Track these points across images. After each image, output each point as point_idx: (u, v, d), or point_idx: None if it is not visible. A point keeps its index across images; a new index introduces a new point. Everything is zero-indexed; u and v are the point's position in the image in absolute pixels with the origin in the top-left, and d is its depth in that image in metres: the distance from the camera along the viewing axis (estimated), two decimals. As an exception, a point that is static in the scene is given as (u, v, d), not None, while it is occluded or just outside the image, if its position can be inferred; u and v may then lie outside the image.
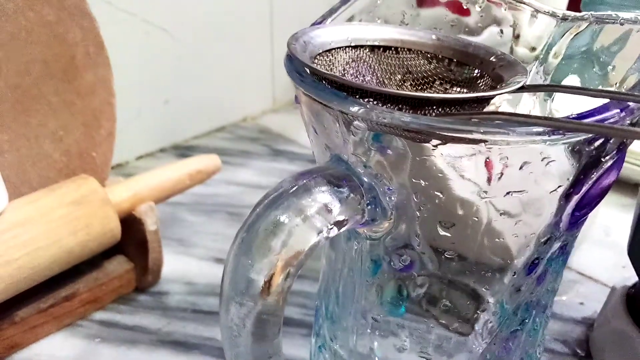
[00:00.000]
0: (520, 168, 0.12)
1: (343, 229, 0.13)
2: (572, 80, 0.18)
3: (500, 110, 0.22)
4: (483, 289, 0.20)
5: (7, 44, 0.27)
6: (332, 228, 0.13)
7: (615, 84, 0.17)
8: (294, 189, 0.13)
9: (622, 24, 0.17)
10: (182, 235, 0.36)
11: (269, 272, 0.12)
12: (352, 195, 0.13)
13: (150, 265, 0.30)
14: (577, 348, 0.28)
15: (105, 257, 0.31)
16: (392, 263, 0.20)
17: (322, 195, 0.13)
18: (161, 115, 0.44)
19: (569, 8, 0.38)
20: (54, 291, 0.29)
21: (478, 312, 0.20)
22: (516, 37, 0.22)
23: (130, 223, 0.30)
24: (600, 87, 0.17)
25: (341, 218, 0.13)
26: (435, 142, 0.12)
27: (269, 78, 0.51)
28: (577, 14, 0.19)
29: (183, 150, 0.46)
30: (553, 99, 0.19)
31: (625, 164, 0.39)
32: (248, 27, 0.48)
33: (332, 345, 0.19)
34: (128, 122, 0.42)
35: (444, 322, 0.21)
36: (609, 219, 0.38)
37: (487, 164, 0.12)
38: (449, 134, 0.11)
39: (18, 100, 0.28)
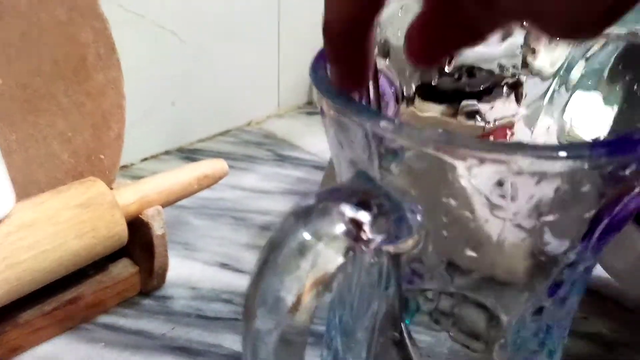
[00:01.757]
0: (555, 191, 0.12)
1: (370, 247, 0.13)
2: (594, 96, 0.18)
3: (516, 128, 0.22)
4: (498, 308, 0.19)
5: (18, 43, 0.27)
6: (359, 247, 0.12)
7: None
8: (320, 206, 0.13)
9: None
10: (187, 239, 0.36)
11: (298, 292, 0.12)
12: (379, 213, 0.13)
13: (156, 269, 0.30)
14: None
15: (110, 260, 0.30)
16: (403, 277, 0.20)
17: (349, 214, 0.13)
18: (167, 117, 0.44)
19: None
20: (58, 294, 0.28)
21: (491, 329, 0.20)
22: (532, 51, 0.22)
23: (137, 226, 0.29)
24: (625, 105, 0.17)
25: (368, 237, 0.13)
26: (468, 162, 0.12)
27: (275, 83, 0.51)
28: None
29: (188, 153, 0.45)
30: (571, 120, 0.19)
31: None
32: (255, 31, 0.48)
33: (346, 358, 0.19)
34: (134, 124, 0.41)
35: (456, 338, 0.21)
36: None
37: (520, 186, 0.12)
38: (483, 155, 0.11)
39: (27, 100, 0.28)
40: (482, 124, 0.24)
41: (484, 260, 0.15)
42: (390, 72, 0.20)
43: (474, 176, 0.12)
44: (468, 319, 0.21)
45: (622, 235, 0.23)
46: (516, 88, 0.24)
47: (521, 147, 0.11)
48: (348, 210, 0.13)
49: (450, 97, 0.26)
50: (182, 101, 0.44)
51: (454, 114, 0.26)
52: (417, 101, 0.25)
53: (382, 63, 0.20)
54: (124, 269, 0.30)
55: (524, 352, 0.17)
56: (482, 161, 0.11)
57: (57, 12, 0.28)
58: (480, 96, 0.25)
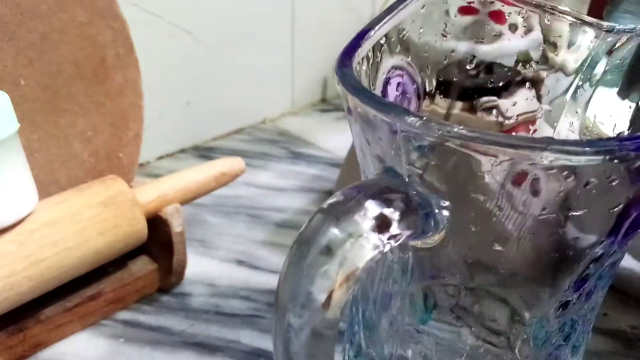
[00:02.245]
0: (585, 186, 0.12)
1: (398, 243, 0.13)
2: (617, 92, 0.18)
3: (538, 124, 0.22)
4: (519, 303, 0.19)
5: (39, 44, 0.27)
6: (387, 243, 0.13)
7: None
8: (348, 203, 0.13)
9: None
10: (204, 236, 0.36)
11: (329, 289, 0.12)
12: (406, 209, 0.13)
13: (175, 266, 0.30)
14: (600, 359, 0.28)
15: (130, 257, 0.31)
16: (424, 272, 0.20)
17: (377, 210, 0.13)
18: (182, 116, 0.44)
19: (589, 15, 0.38)
20: (79, 290, 0.29)
21: (513, 325, 0.20)
22: (554, 46, 0.22)
23: (156, 224, 0.30)
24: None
25: (396, 232, 0.13)
26: (494, 158, 0.12)
27: (289, 80, 0.51)
28: (621, 26, 0.19)
29: (203, 152, 0.46)
30: (595, 117, 0.18)
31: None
32: (269, 30, 0.48)
33: (369, 352, 0.19)
34: (150, 123, 0.42)
35: (478, 333, 0.21)
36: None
37: (547, 181, 0.12)
38: (509, 151, 0.11)
39: (48, 100, 0.28)
40: (501, 120, 0.24)
41: (511, 255, 0.15)
42: (412, 68, 0.20)
43: (501, 172, 0.12)
44: (490, 315, 0.21)
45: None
46: (537, 84, 0.24)
47: (548, 142, 0.11)
48: (375, 207, 0.13)
49: (470, 93, 0.26)
50: (197, 100, 0.45)
51: (474, 110, 0.26)
52: (438, 98, 0.26)
53: (404, 60, 0.20)
54: (143, 266, 0.31)
55: (548, 347, 0.17)
56: (508, 157, 0.11)
57: (77, 13, 0.28)
58: (499, 92, 0.25)
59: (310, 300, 0.12)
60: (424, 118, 0.12)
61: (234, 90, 0.47)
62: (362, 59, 0.16)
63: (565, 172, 0.12)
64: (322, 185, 0.42)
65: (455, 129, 0.12)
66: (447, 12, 0.22)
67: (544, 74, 0.23)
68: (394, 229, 0.13)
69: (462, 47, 0.23)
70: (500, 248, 0.14)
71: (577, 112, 0.19)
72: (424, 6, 0.19)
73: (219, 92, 0.46)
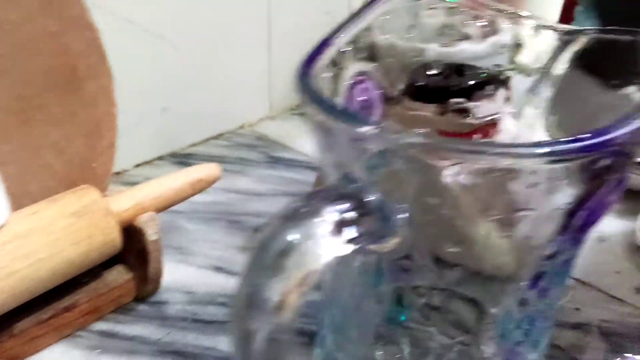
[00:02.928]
0: (528, 187, 0.12)
1: (354, 247, 0.13)
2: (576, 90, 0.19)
3: (503, 124, 0.22)
4: (486, 301, 0.20)
5: (10, 55, 0.27)
6: (343, 247, 0.13)
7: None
8: (305, 209, 0.13)
9: (620, 39, 0.18)
10: (181, 243, 0.36)
11: (283, 292, 0.12)
12: (362, 214, 0.13)
13: (151, 274, 0.30)
14: (573, 353, 0.29)
15: (105, 266, 0.31)
16: (395, 274, 0.20)
17: (334, 215, 0.13)
18: (159, 123, 0.44)
19: (562, 18, 0.39)
20: (53, 302, 0.28)
21: (480, 322, 0.20)
22: (517, 48, 0.23)
23: (131, 233, 0.30)
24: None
25: (352, 236, 0.13)
26: (447, 163, 0.12)
27: (266, 85, 0.52)
28: (578, 28, 0.20)
29: (181, 158, 0.46)
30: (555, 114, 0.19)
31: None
32: (245, 34, 0.48)
33: (337, 356, 0.20)
34: (126, 130, 0.41)
35: (446, 331, 0.22)
36: (604, 226, 0.38)
37: (496, 183, 0.12)
38: (460, 155, 0.11)
39: (21, 111, 0.28)
40: (471, 121, 0.25)
41: (470, 255, 0.15)
42: (378, 73, 0.20)
43: (454, 175, 0.12)
44: (457, 313, 0.21)
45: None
46: (503, 85, 0.24)
47: (494, 147, 0.11)
48: (332, 212, 0.13)
49: (440, 95, 0.26)
50: (174, 106, 0.45)
51: (444, 112, 0.26)
52: (407, 101, 0.26)
53: (369, 65, 0.20)
54: (118, 275, 0.31)
55: (509, 343, 0.17)
56: (459, 161, 0.12)
57: (48, 23, 0.28)
58: (469, 94, 0.25)
59: (265, 303, 0.12)
60: (378, 126, 0.12)
61: (212, 96, 0.47)
62: (326, 65, 0.16)
63: (512, 175, 0.12)
64: (301, 189, 0.42)
65: (407, 137, 0.12)
66: (414, 16, 0.22)
67: (509, 74, 0.23)
68: (350, 233, 0.13)
69: (429, 50, 0.23)
70: (457, 249, 0.15)
71: (539, 111, 0.20)
72: (391, 10, 0.19)
73: (196, 97, 0.46)
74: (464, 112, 0.25)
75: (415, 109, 0.26)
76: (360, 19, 0.18)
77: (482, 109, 0.23)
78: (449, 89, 0.26)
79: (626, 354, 0.29)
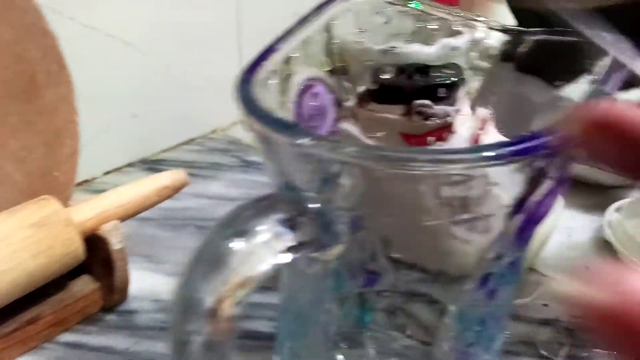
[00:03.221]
0: (467, 191, 0.12)
1: (296, 255, 0.13)
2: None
3: (457, 124, 0.22)
4: (441, 301, 0.20)
5: (-38, 65, 0.26)
6: (283, 255, 0.13)
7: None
8: (245, 216, 0.13)
9: (567, 39, 0.18)
10: (150, 251, 0.36)
11: (218, 297, 0.12)
12: (304, 222, 0.13)
13: (117, 284, 0.30)
14: (542, 350, 0.29)
15: (71, 277, 0.30)
16: (354, 278, 0.20)
17: (274, 223, 0.13)
18: (129, 129, 0.44)
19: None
20: (17, 314, 0.28)
21: (438, 322, 0.21)
22: (470, 50, 0.23)
23: (95, 242, 0.29)
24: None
25: (293, 244, 0.13)
26: (384, 170, 0.12)
27: (238, 89, 0.51)
28: (526, 29, 0.20)
29: (152, 164, 0.45)
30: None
31: (584, 165, 0.40)
32: (215, 38, 0.48)
33: (295, 363, 0.19)
34: (95, 137, 0.41)
35: (408, 332, 0.22)
36: (571, 221, 0.39)
37: (435, 188, 0.12)
38: (394, 163, 0.11)
39: (-24, 122, 0.27)
40: (427, 122, 0.25)
41: (414, 258, 0.15)
42: (330, 78, 0.20)
43: (393, 182, 0.12)
44: (419, 314, 0.21)
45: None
46: (457, 86, 0.24)
47: (429, 153, 0.11)
48: (271, 219, 0.13)
49: (403, 97, 0.26)
50: (144, 112, 0.44)
51: (407, 114, 0.26)
52: (370, 103, 0.26)
53: (320, 70, 0.20)
54: (84, 285, 0.30)
55: (461, 344, 0.17)
56: (394, 169, 0.12)
57: (2, 30, 0.28)
58: (431, 95, 0.25)
59: (200, 308, 0.12)
60: (315, 138, 0.12)
61: (182, 101, 0.47)
62: (271, 72, 0.16)
63: (448, 179, 0.12)
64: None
65: (342, 148, 0.12)
66: (365, 19, 0.22)
67: (463, 77, 0.23)
68: (291, 241, 0.13)
69: (382, 52, 0.23)
70: (399, 254, 0.15)
71: (491, 112, 0.20)
72: (348, 9, 0.19)
73: (166, 103, 0.45)
74: (422, 113, 0.25)
75: (378, 110, 0.26)
76: (308, 24, 0.18)
77: (437, 110, 0.23)
78: (413, 90, 0.26)
79: (595, 349, 0.29)
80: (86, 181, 0.42)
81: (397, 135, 0.25)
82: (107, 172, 0.44)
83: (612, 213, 0.37)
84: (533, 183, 0.13)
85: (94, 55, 0.39)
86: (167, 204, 0.35)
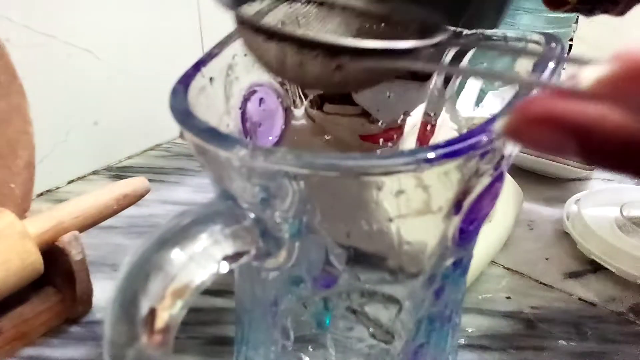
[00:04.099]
0: (396, 195, 0.12)
1: (235, 264, 0.13)
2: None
3: (408, 125, 0.22)
4: (398, 298, 0.20)
5: None
6: (221, 264, 0.13)
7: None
8: (180, 225, 0.13)
9: (506, 41, 0.18)
10: (115, 260, 0.35)
11: (154, 307, 0.12)
12: (240, 230, 0.13)
13: (79, 295, 0.29)
14: (505, 342, 0.29)
15: (33, 289, 0.30)
16: (312, 280, 0.20)
17: (212, 231, 0.13)
18: (91, 137, 0.43)
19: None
20: (-25, 331, 0.27)
21: (396, 320, 0.21)
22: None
23: (55, 254, 0.29)
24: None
25: (230, 253, 0.13)
26: (314, 178, 0.12)
27: (204, 92, 0.51)
28: (470, 31, 0.20)
29: (117, 172, 0.45)
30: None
31: (543, 159, 0.41)
32: (178, 43, 0.47)
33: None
34: (55, 146, 0.40)
35: (370, 331, 0.22)
36: (532, 214, 0.40)
37: (365, 194, 0.12)
38: (321, 171, 0.11)
39: None
40: (377, 124, 0.25)
41: (363, 260, 0.15)
42: (277, 82, 0.20)
43: (326, 187, 0.12)
44: (378, 314, 0.21)
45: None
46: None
47: (354, 159, 0.11)
48: (207, 228, 0.13)
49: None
50: (106, 119, 0.44)
51: (362, 114, 0.26)
52: (326, 104, 0.26)
53: (264, 77, 0.20)
54: (46, 298, 0.30)
55: (412, 345, 0.17)
56: (326, 175, 0.12)
57: (-51, 41, 0.27)
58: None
59: (135, 319, 0.12)
60: (249, 148, 0.12)
61: (146, 106, 0.46)
62: (210, 79, 0.16)
63: (376, 183, 0.12)
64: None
65: (276, 159, 0.12)
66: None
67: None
68: (228, 250, 0.13)
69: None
70: (337, 264, 0.15)
71: (446, 107, 0.20)
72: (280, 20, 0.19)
73: (129, 109, 0.45)
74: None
75: (333, 111, 0.26)
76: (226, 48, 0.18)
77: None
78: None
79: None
80: (49, 191, 0.41)
81: (354, 135, 0.25)
82: (71, 181, 0.43)
83: (571, 205, 0.38)
84: (469, 183, 0.13)
85: (51, 64, 0.39)
86: (132, 211, 0.34)
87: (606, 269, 0.33)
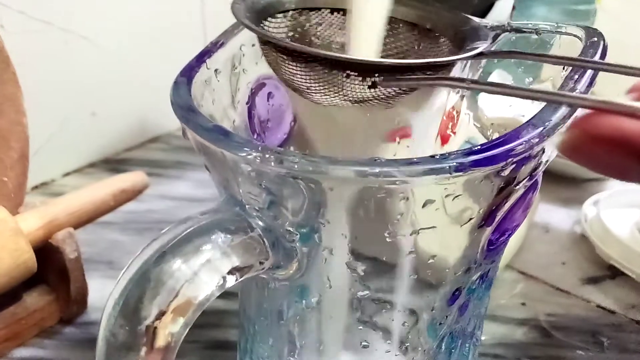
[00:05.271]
0: (423, 206, 0.11)
1: (244, 277, 0.12)
2: (499, 74, 0.18)
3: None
4: (415, 310, 0.19)
5: None
6: (227, 278, 0.11)
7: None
8: (187, 234, 0.11)
9: (538, 34, 0.17)
10: (112, 257, 0.34)
11: (154, 324, 0.10)
12: (248, 240, 0.12)
13: (73, 295, 0.28)
14: (519, 351, 0.28)
15: (25, 288, 0.28)
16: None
17: (218, 242, 0.12)
18: (88, 128, 0.42)
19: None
20: (-35, 331, 0.26)
21: (412, 332, 0.19)
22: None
23: (49, 251, 0.27)
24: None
25: (238, 265, 0.12)
26: (325, 183, 0.11)
27: (207, 83, 0.49)
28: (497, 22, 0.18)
29: (114, 165, 0.43)
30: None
31: (559, 158, 0.39)
32: (180, 30, 0.46)
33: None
34: (51, 137, 0.39)
35: (384, 342, 0.21)
36: (548, 215, 0.38)
37: (388, 203, 0.11)
38: (339, 177, 0.10)
39: None
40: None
41: (377, 277, 0.14)
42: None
43: (343, 196, 0.11)
44: (394, 323, 0.20)
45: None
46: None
47: (377, 165, 0.10)
48: (217, 238, 0.11)
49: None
50: (104, 109, 0.42)
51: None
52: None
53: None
54: (39, 297, 0.29)
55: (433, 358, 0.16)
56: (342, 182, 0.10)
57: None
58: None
59: (134, 338, 0.10)
60: (257, 150, 0.11)
61: (146, 97, 0.45)
62: (215, 71, 0.15)
63: (402, 194, 0.11)
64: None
65: (285, 161, 0.11)
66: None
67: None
68: (235, 261, 0.11)
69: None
70: (361, 271, 0.13)
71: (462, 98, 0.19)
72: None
73: (128, 100, 0.43)
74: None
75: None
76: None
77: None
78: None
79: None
80: (44, 184, 0.40)
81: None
82: (67, 174, 0.41)
83: (589, 207, 0.36)
84: (502, 193, 0.12)
85: (47, 51, 0.37)
86: (129, 206, 0.33)
87: (626, 274, 0.32)
